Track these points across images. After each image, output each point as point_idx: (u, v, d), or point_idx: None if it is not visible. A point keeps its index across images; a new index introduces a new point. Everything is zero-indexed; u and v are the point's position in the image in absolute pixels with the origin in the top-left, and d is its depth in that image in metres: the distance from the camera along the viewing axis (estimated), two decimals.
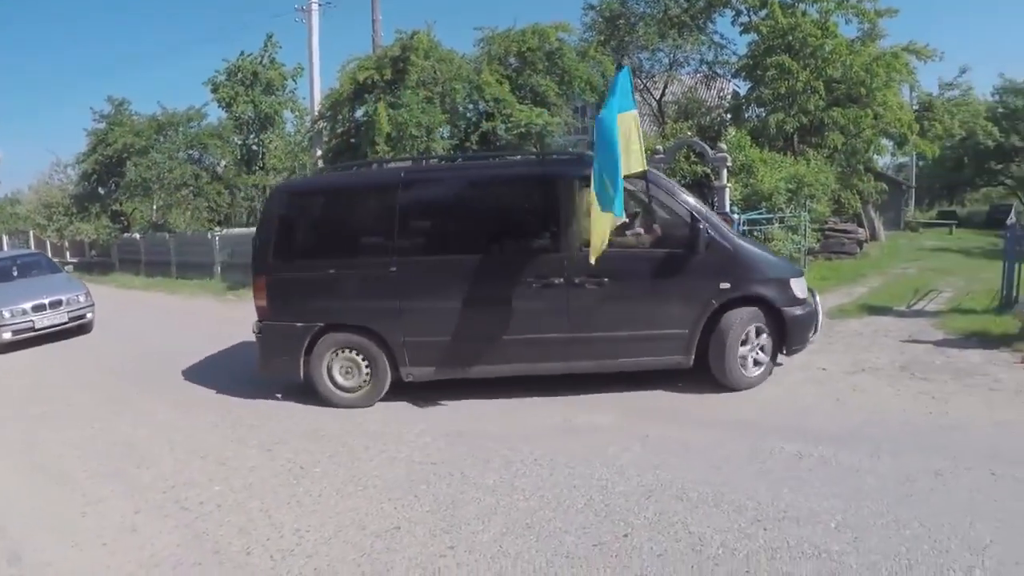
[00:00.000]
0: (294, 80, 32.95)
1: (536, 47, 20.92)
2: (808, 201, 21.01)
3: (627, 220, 8.65)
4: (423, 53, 19.82)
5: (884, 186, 28.33)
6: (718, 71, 31.42)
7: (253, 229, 28.92)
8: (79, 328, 15.45)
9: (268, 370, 9.43)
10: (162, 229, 31.40)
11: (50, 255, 25.32)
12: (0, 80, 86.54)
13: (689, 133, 23.85)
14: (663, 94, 31.11)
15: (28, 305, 14.44)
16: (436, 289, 8.74)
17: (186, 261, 28.73)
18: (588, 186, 7.84)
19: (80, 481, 6.88)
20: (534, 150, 19.32)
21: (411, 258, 8.75)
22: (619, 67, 8.85)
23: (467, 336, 8.71)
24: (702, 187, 20.38)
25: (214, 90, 31.52)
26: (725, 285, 8.52)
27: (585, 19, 30.46)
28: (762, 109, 26.55)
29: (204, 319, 17.88)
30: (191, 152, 32.97)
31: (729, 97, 32.59)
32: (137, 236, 32.90)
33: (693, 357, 8.67)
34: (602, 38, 28.84)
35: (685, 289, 8.58)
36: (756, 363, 8.85)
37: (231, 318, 17.39)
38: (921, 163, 49.14)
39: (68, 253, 38.04)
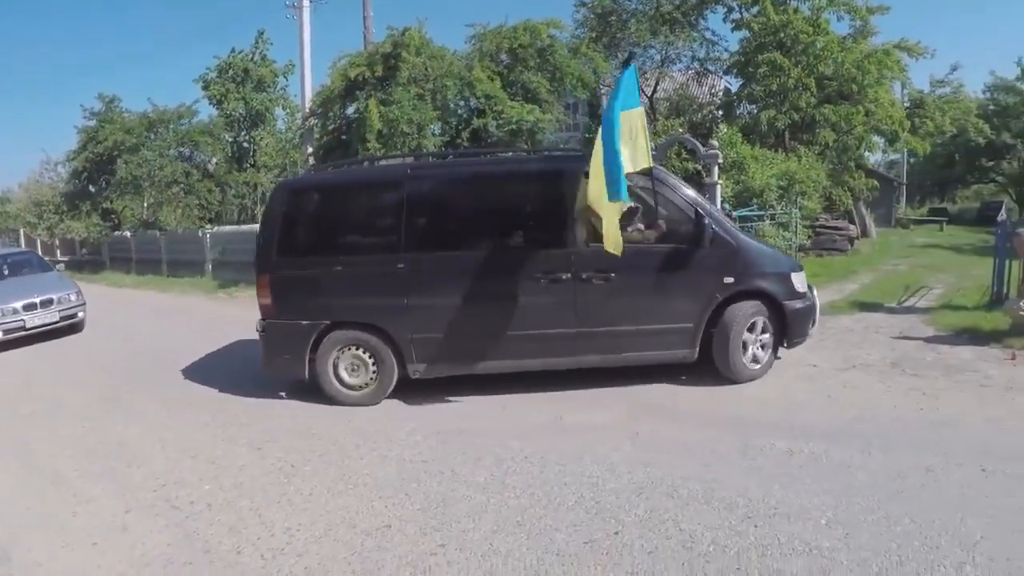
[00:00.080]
0: (285, 77, 32.89)
1: (528, 44, 20.90)
2: (799, 198, 21.07)
3: (633, 205, 8.89)
4: (414, 50, 19.78)
5: (875, 183, 28.43)
6: (710, 68, 31.50)
7: (244, 227, 29.14)
8: (70, 327, 15.35)
9: (272, 369, 9.38)
10: (153, 227, 31.31)
11: (41, 254, 25.17)
12: None
13: (681, 130, 23.83)
14: (655, 91, 31.13)
15: (19, 304, 14.33)
16: (444, 285, 8.73)
17: (177, 259, 28.64)
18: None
19: (71, 480, 6.85)
20: (525, 147, 19.29)
21: (419, 254, 8.73)
22: (625, 64, 8.86)
23: (475, 332, 8.73)
24: (693, 184, 20.37)
25: (205, 87, 31.43)
26: (729, 280, 8.64)
27: (577, 16, 30.53)
28: (754, 106, 26.63)
29: (195, 317, 17.84)
30: (182, 150, 32.89)
31: (721, 94, 32.65)
32: (128, 234, 32.78)
33: (697, 351, 8.77)
34: (594, 35, 28.86)
35: (690, 284, 8.69)
36: (758, 356, 8.97)
37: (222, 316, 17.44)
38: (912, 160, 49.23)
39: (59, 251, 37.87)
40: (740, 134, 22.65)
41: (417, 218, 8.84)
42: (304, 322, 8.86)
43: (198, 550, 5.30)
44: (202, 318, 17.53)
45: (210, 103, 31.92)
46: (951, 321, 11.67)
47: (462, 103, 21.50)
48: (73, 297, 15.45)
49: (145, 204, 33.02)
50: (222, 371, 10.84)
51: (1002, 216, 16.53)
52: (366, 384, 8.88)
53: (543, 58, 21.25)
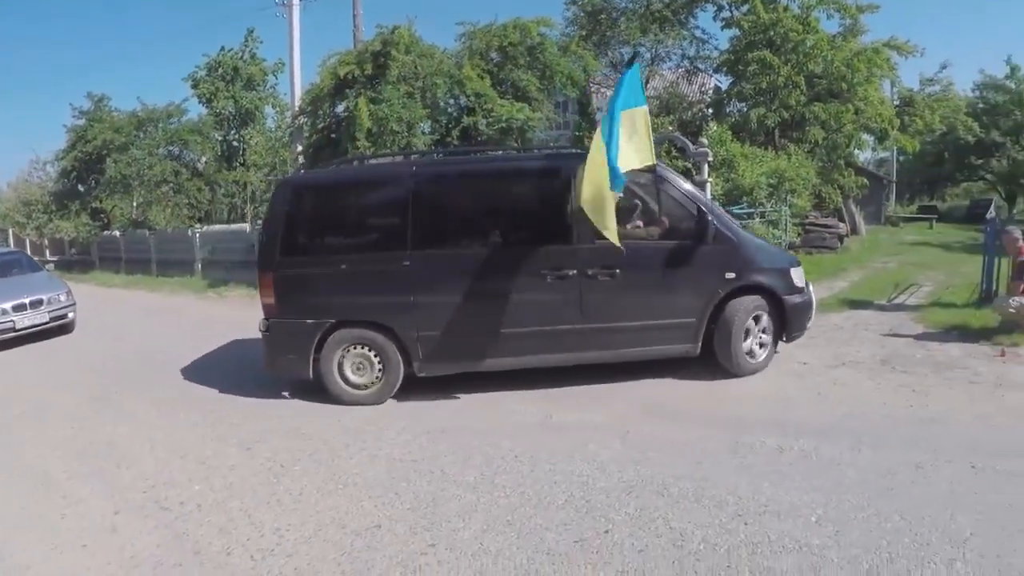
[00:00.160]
0: (275, 75, 32.88)
1: (517, 42, 20.86)
2: (789, 196, 21.09)
3: (633, 202, 8.96)
4: (404, 48, 19.73)
5: (865, 181, 28.43)
6: (700, 66, 31.50)
7: (233, 226, 29.07)
8: (60, 328, 15.20)
9: (275, 369, 9.34)
10: (142, 226, 31.21)
11: (30, 254, 25.07)
12: None
13: (670, 128, 23.83)
14: (644, 89, 31.11)
15: (8, 305, 14.18)
16: (450, 283, 8.73)
17: (166, 259, 28.49)
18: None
19: (60, 481, 6.80)
20: (515, 145, 19.27)
21: (425, 252, 8.70)
22: (629, 63, 8.93)
23: (481, 329, 8.74)
24: None
25: (194, 86, 31.38)
26: (730, 275, 8.78)
27: (567, 14, 30.49)
28: (743, 104, 26.66)
29: (185, 317, 17.81)
30: (171, 148, 32.82)
31: (710, 92, 32.65)
32: (117, 234, 32.65)
33: (700, 345, 8.89)
34: (584, 33, 28.83)
35: (693, 279, 8.81)
36: (759, 349, 9.13)
37: (212, 316, 17.43)
38: (902, 158, 49.32)
39: (48, 251, 37.67)
40: (730, 132, 22.67)
41: (423, 215, 8.80)
42: (309, 321, 8.81)
43: (188, 551, 5.27)
44: (192, 318, 17.50)
45: (199, 102, 31.90)
46: (941, 318, 11.70)
47: (452, 101, 21.47)
48: (63, 297, 15.30)
49: (134, 203, 32.94)
50: (212, 371, 10.81)
51: (991, 214, 16.67)
52: (371, 383, 8.84)
53: (533, 56, 21.22)
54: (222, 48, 31.70)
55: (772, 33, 24.62)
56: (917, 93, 33.51)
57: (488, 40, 21.07)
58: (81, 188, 35.04)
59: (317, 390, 9.04)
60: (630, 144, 8.04)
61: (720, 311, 8.84)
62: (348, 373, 8.83)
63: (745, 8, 26.07)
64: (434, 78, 19.96)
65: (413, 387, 8.91)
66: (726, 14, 27.60)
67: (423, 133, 20.48)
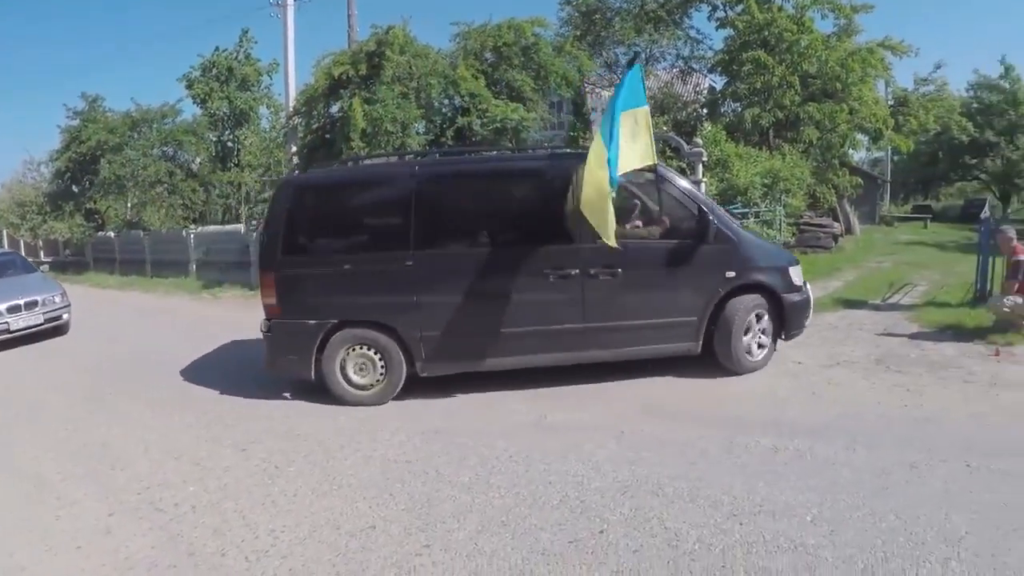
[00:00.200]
0: (269, 76, 32.85)
1: (512, 42, 20.84)
2: (783, 195, 21.13)
3: (632, 202, 9.09)
4: (398, 48, 19.69)
5: (859, 180, 28.50)
6: (694, 66, 31.56)
7: (228, 227, 29.01)
8: (55, 329, 15.11)
9: (277, 370, 9.31)
10: (137, 227, 31.16)
11: (24, 255, 25.00)
12: None
13: (665, 128, 23.82)
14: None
15: (3, 307, 14.09)
16: (454, 282, 8.73)
17: (161, 259, 28.45)
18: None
19: (54, 483, 6.78)
20: (510, 145, 19.26)
21: (428, 252, 8.70)
22: (630, 64, 9.03)
23: (484, 329, 8.74)
24: None
25: (189, 86, 31.36)
26: (731, 274, 8.87)
27: (561, 14, 30.54)
28: (738, 104, 26.70)
29: (179, 318, 17.77)
30: (165, 149, 32.80)
31: (705, 92, 32.69)
32: (111, 235, 32.59)
33: (701, 343, 8.96)
34: (578, 33, 28.86)
35: (694, 278, 8.89)
36: (758, 348, 9.20)
37: (206, 317, 17.41)
38: (896, 158, 49.55)
39: (42, 252, 37.62)
40: (724, 132, 22.71)
41: (426, 215, 8.79)
42: (311, 321, 8.77)
43: (182, 553, 5.25)
44: (186, 319, 17.46)
45: (194, 102, 31.89)
46: (935, 318, 11.73)
47: (446, 102, 21.43)
48: (58, 299, 15.22)
49: (129, 204, 32.88)
50: (206, 372, 10.79)
51: (985, 213, 16.63)
52: (374, 383, 8.81)
53: (527, 56, 21.20)
54: (216, 48, 31.70)
55: (766, 33, 24.67)
56: (911, 93, 33.58)
57: (483, 40, 21.05)
58: (75, 189, 34.98)
59: (313, 391, 9.05)
60: (632, 144, 8.12)
61: (720, 310, 8.91)
62: (351, 374, 8.80)
63: (739, 8, 26.15)
64: (429, 78, 19.93)
65: (408, 387, 8.89)
66: (720, 14, 27.69)
67: (417, 133, 20.45)
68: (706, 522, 5.14)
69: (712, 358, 9.13)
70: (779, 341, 9.52)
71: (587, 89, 30.42)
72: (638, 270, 8.74)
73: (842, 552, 4.61)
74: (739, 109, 26.27)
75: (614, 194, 7.80)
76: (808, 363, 9.58)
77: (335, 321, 8.76)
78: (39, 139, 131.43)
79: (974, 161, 52.06)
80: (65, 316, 15.33)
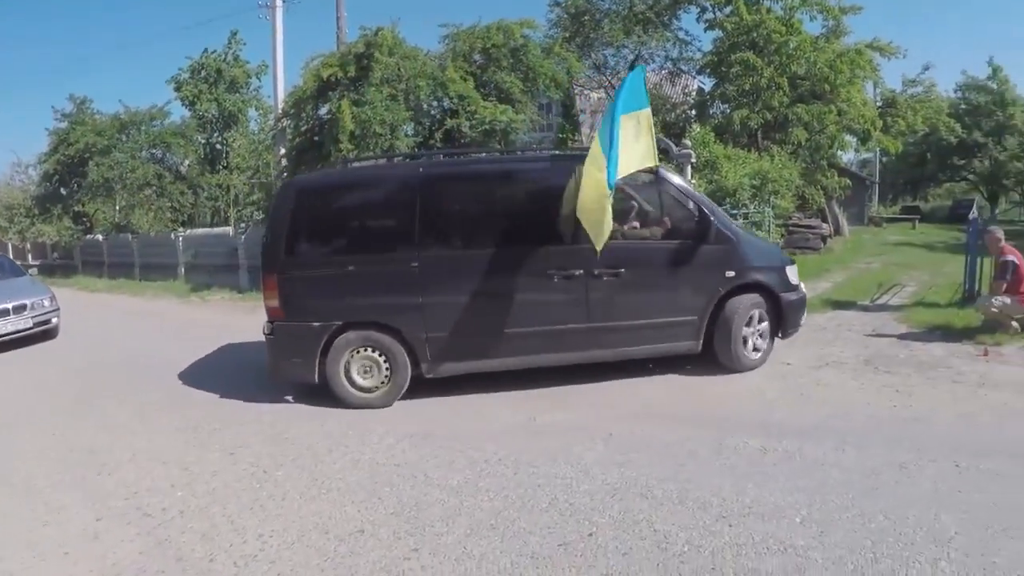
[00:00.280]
0: (258, 78, 32.80)
1: (501, 44, 20.81)
2: (772, 197, 21.16)
3: (630, 203, 9.11)
4: (387, 50, 19.64)
5: (848, 181, 28.55)
6: (683, 68, 31.57)
7: (216, 230, 28.93)
8: (44, 333, 14.98)
9: (280, 373, 9.24)
10: (125, 230, 31.04)
11: (12, 258, 24.88)
12: None
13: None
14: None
15: None
16: (458, 283, 8.75)
17: (149, 262, 28.38)
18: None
19: (41, 489, 6.73)
20: (499, 147, 19.24)
21: (433, 253, 8.73)
22: (632, 66, 9.16)
23: (490, 329, 8.76)
24: None
25: (177, 88, 31.30)
26: (731, 273, 9.05)
27: (550, 16, 30.49)
28: (726, 105, 26.70)
29: (168, 322, 17.69)
30: (154, 151, 32.65)
31: (694, 94, 32.74)
32: (100, 238, 32.50)
33: (702, 342, 9.09)
34: (567, 35, 28.85)
35: (695, 278, 9.04)
36: (757, 346, 9.34)
37: (195, 320, 17.37)
38: (884, 159, 49.65)
39: (30, 256, 37.47)
40: (713, 134, 22.67)
41: (431, 217, 8.81)
42: (315, 324, 8.70)
43: (170, 558, 5.21)
44: (175, 323, 17.39)
45: (182, 104, 31.83)
46: (924, 318, 11.78)
47: (435, 103, 21.38)
48: (47, 303, 15.07)
49: (117, 207, 32.75)
50: (194, 376, 10.75)
51: (973, 214, 16.65)
52: (379, 385, 8.78)
53: (516, 58, 21.16)
54: (205, 50, 31.65)
55: (755, 35, 24.68)
56: (900, 94, 33.66)
57: (471, 42, 21.01)
58: (63, 191, 34.76)
59: (308, 394, 9.06)
60: (633, 146, 8.21)
61: (720, 309, 9.05)
62: (355, 376, 8.76)
63: (728, 10, 26.13)
64: (417, 80, 19.88)
65: None
66: (709, 16, 27.66)
67: (406, 135, 20.39)
68: (695, 524, 5.13)
69: (702, 358, 9.23)
70: (779, 339, 9.69)
71: (576, 91, 30.45)
72: (641, 270, 8.88)
73: (832, 553, 4.61)
74: (728, 111, 26.27)
75: (612, 199, 7.85)
76: (797, 364, 9.61)
77: (339, 323, 8.71)
78: (27, 142, 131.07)
79: (962, 162, 52.33)
80: (54, 320, 15.21)
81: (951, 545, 4.63)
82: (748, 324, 9.19)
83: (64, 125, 33.54)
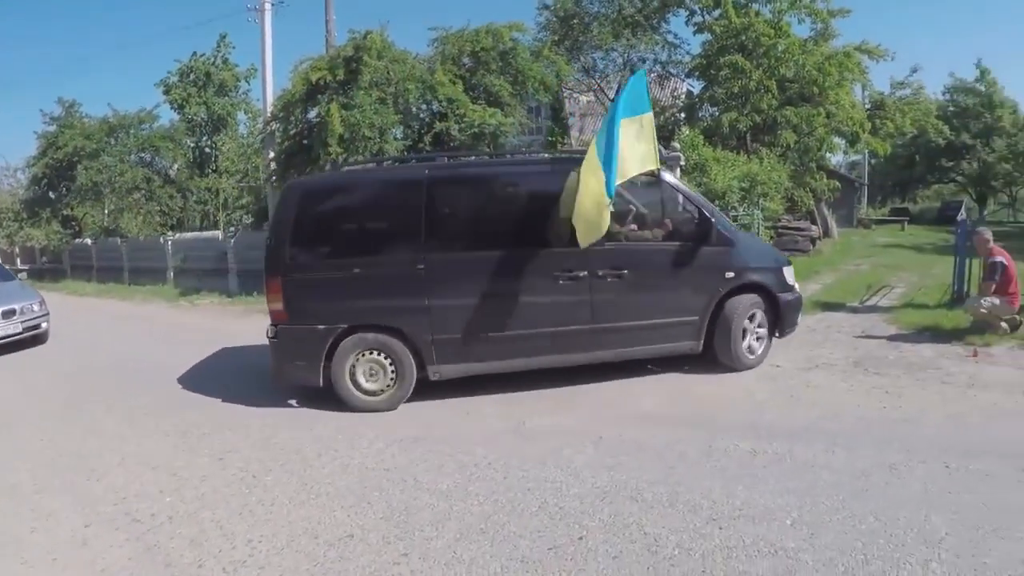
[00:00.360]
0: (247, 81, 32.85)
1: (490, 47, 20.78)
2: (761, 199, 21.21)
3: (628, 206, 9.18)
4: (376, 53, 19.60)
5: (837, 184, 28.65)
6: (672, 71, 31.67)
7: (205, 233, 28.89)
8: (34, 338, 14.86)
9: (284, 377, 9.19)
10: (114, 234, 31.00)
11: (1, 262, 24.79)
12: None
13: None
14: (617, 94, 31.14)
15: None
16: (465, 285, 8.76)
17: (138, 267, 28.32)
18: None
19: (29, 494, 6.68)
20: (488, 150, 19.23)
21: (439, 255, 8.71)
22: (633, 70, 9.27)
23: (495, 331, 8.78)
24: None
25: (166, 91, 31.30)
26: (730, 274, 9.20)
27: (539, 19, 30.54)
28: (715, 108, 26.78)
29: (157, 326, 17.66)
30: (143, 155, 32.67)
31: (683, 97, 32.82)
32: (89, 242, 32.43)
33: (702, 342, 9.19)
34: (556, 38, 28.88)
35: (696, 279, 9.17)
36: (755, 346, 9.48)
37: (184, 324, 17.34)
38: (873, 161, 49.76)
39: (19, 260, 37.30)
40: (702, 136, 22.74)
41: (437, 219, 8.84)
42: (320, 326, 8.66)
43: (159, 564, 5.18)
44: (164, 327, 17.35)
45: (171, 107, 31.85)
46: (913, 319, 11.80)
47: (424, 107, 21.34)
48: (36, 307, 14.99)
49: (106, 211, 32.74)
50: (184, 381, 10.72)
51: (962, 215, 16.75)
52: (385, 388, 8.75)
53: (505, 61, 21.13)
54: (194, 53, 31.65)
55: (744, 38, 24.76)
56: (888, 96, 33.81)
57: (460, 45, 20.98)
58: (52, 195, 34.69)
59: (308, 397, 9.05)
60: (635, 150, 8.32)
61: (720, 309, 9.16)
62: (360, 379, 8.72)
63: (717, 13, 26.21)
64: (406, 83, 19.84)
65: None
66: (698, 19, 27.75)
67: (395, 139, 20.37)
68: (685, 527, 5.12)
69: (693, 359, 9.34)
70: (776, 338, 9.83)
71: (565, 94, 30.48)
72: (643, 272, 8.99)
73: (822, 555, 4.60)
74: (717, 113, 26.36)
75: (612, 207, 7.91)
76: (786, 366, 9.61)
77: (345, 326, 8.67)
78: (15, 145, 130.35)
79: (950, 164, 52.53)
80: (44, 325, 15.13)
81: (941, 546, 4.63)
82: (747, 324, 9.32)
83: (53, 128, 33.52)
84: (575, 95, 32.50)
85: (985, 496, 5.35)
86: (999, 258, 10.52)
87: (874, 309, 13.53)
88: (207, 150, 32.87)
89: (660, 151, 9.07)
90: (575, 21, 29.88)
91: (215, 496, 6.35)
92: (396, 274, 8.71)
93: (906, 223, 41.43)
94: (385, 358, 8.70)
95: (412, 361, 8.71)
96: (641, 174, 8.60)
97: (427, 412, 8.57)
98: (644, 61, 31.02)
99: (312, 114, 20.83)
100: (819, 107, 24.87)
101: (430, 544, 5.15)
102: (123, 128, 32.43)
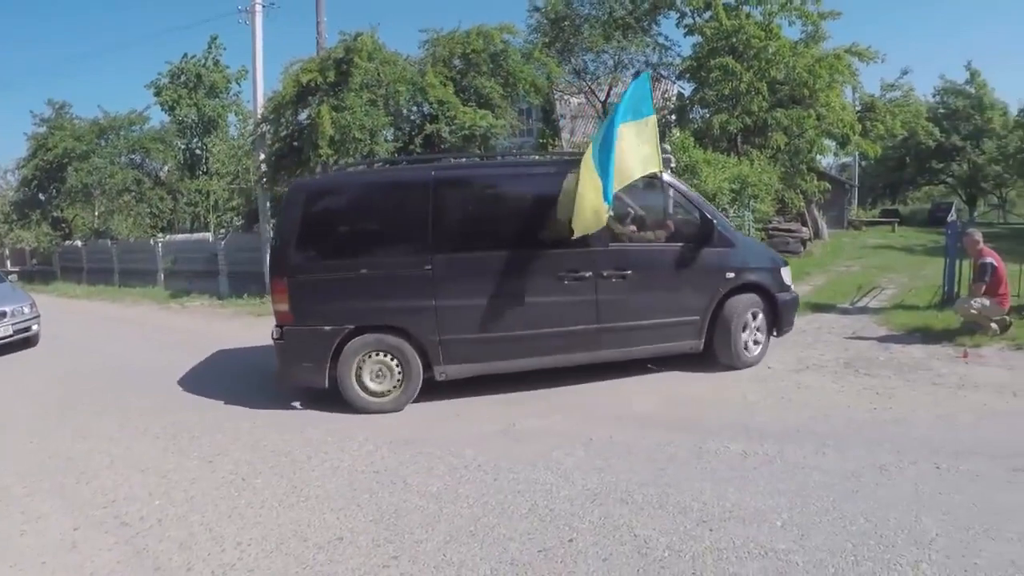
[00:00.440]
0: (238, 83, 32.79)
1: (481, 49, 20.76)
2: (752, 201, 21.22)
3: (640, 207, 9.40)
4: (367, 55, 19.57)
5: (827, 185, 28.63)
6: (662, 73, 31.58)
7: (196, 235, 28.82)
8: (24, 341, 14.76)
9: (289, 379, 9.18)
10: (104, 236, 30.92)
11: None
12: None
13: None
14: (608, 96, 31.14)
15: None
16: (471, 286, 8.80)
17: (128, 269, 28.30)
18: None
19: (18, 497, 6.63)
20: (478, 152, 19.23)
21: (446, 256, 8.74)
22: (636, 73, 9.41)
23: (502, 331, 8.83)
24: None
25: (157, 93, 31.19)
26: (730, 274, 9.40)
27: (530, 21, 30.39)
28: (706, 110, 26.73)
29: (147, 328, 17.63)
30: (133, 157, 32.64)
31: (673, 99, 32.77)
32: (79, 244, 32.35)
33: (703, 342, 9.34)
34: (547, 40, 28.80)
35: (698, 279, 9.35)
36: (755, 344, 9.64)
37: (174, 327, 17.30)
38: (864, 163, 49.89)
39: (9, 262, 37.22)
40: (692, 138, 22.68)
41: (444, 220, 8.85)
42: (326, 327, 8.65)
43: (148, 567, 5.15)
44: (154, 329, 17.32)
45: (162, 109, 31.77)
46: (903, 321, 11.85)
47: (415, 109, 21.32)
48: (27, 310, 14.90)
49: (96, 212, 32.69)
50: (173, 383, 10.68)
51: (952, 217, 16.86)
52: (391, 389, 8.75)
53: (496, 63, 21.12)
54: (185, 55, 31.58)
55: (734, 40, 24.73)
56: (878, 98, 33.92)
57: (451, 47, 20.95)
58: (42, 197, 34.64)
59: (298, 399, 9.08)
60: (636, 153, 8.47)
61: (720, 309, 9.32)
62: (367, 380, 8.71)
63: (708, 15, 26.17)
64: (397, 85, 19.81)
65: None
66: (689, 21, 27.66)
67: (386, 140, 20.35)
68: (676, 529, 5.12)
69: (689, 358, 9.48)
70: (774, 337, 10.00)
71: (556, 96, 30.43)
72: (647, 272, 9.13)
73: (813, 556, 4.60)
74: (707, 115, 26.29)
75: (611, 211, 7.98)
76: (777, 367, 9.63)
77: (351, 327, 8.66)
78: (5, 147, 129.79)
79: (941, 165, 52.61)
80: (35, 327, 15.03)
81: (932, 547, 4.64)
82: (746, 323, 9.45)
83: (43, 130, 33.48)
84: (566, 97, 32.45)
85: (975, 497, 5.37)
86: (989, 259, 10.55)
87: (865, 310, 13.57)
88: (198, 152, 32.79)
89: (662, 153, 9.12)
90: (566, 23, 29.81)
91: (204, 499, 6.32)
92: (403, 275, 8.73)
93: (896, 224, 41.47)
94: (392, 359, 8.71)
95: (419, 362, 8.72)
96: (643, 177, 8.75)
97: (417, 413, 8.57)
98: (635, 63, 31.00)
99: (303, 116, 20.81)
100: (810, 109, 24.86)
101: (420, 547, 5.14)
102: (113, 130, 32.39)
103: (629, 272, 8.90)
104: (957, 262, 13.05)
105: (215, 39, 32.05)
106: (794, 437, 6.91)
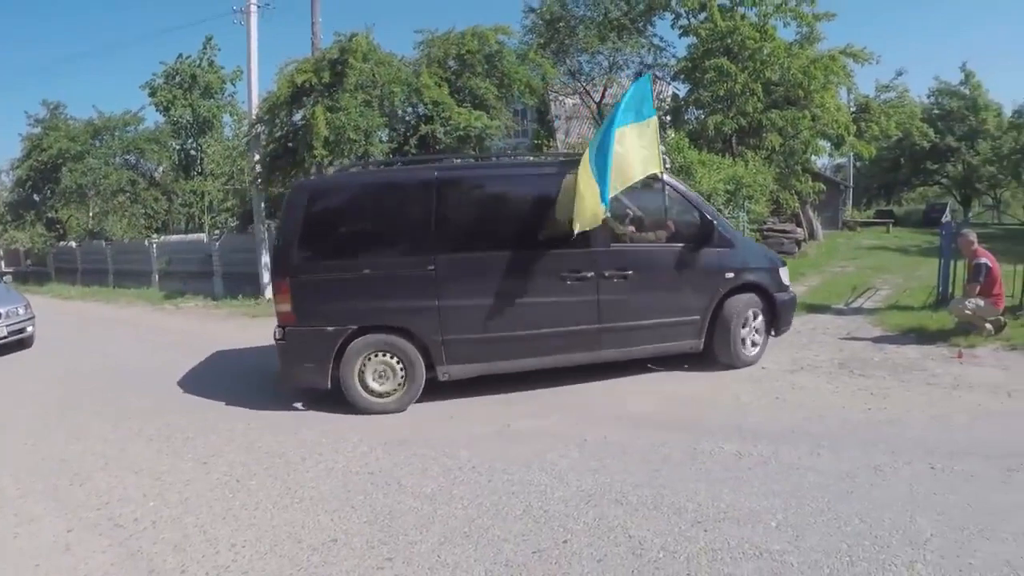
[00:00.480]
0: (233, 83, 32.82)
1: (476, 50, 20.73)
2: (746, 202, 21.21)
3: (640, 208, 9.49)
4: (362, 56, 19.53)
5: (822, 186, 28.65)
6: (657, 74, 31.56)
7: (190, 236, 28.80)
8: (19, 342, 14.71)
9: (292, 380, 9.18)
10: (99, 237, 30.87)
11: None
12: None
13: None
14: (603, 97, 31.14)
15: None
16: (475, 286, 8.80)
17: (123, 270, 28.25)
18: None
19: (11, 499, 6.61)
20: (473, 153, 19.22)
21: (450, 256, 8.74)
22: (638, 74, 9.48)
23: (505, 331, 8.84)
24: None
25: (152, 93, 31.23)
26: (730, 275, 9.49)
27: (525, 22, 30.37)
28: (701, 111, 26.72)
29: (142, 330, 17.61)
30: (128, 157, 32.61)
31: (668, 100, 32.77)
32: (73, 244, 32.31)
33: (703, 341, 9.40)
34: (542, 41, 28.78)
35: (698, 279, 9.47)
36: (753, 344, 9.70)
37: (169, 328, 17.29)
38: (858, 163, 49.90)
39: (3, 263, 37.15)
40: (687, 139, 22.68)
41: (448, 220, 8.86)
42: (329, 328, 8.62)
43: (142, 570, 5.13)
44: (148, 330, 17.29)
45: (157, 110, 31.88)
46: (898, 321, 11.87)
47: (410, 109, 21.28)
48: (21, 311, 14.85)
49: (90, 213, 32.62)
50: (167, 385, 10.65)
51: (947, 218, 16.88)
52: (394, 390, 8.73)
53: (491, 64, 21.09)
54: (180, 56, 31.59)
55: (729, 41, 24.73)
56: (873, 99, 33.92)
57: (446, 48, 20.93)
58: (36, 198, 34.58)
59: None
60: (637, 154, 8.56)
61: (719, 309, 9.45)
62: (369, 381, 8.69)
63: (703, 16, 26.17)
64: (392, 86, 19.79)
65: None
66: (684, 22, 27.66)
67: (381, 141, 20.33)
68: (670, 530, 5.12)
69: (687, 357, 9.59)
70: (772, 336, 10.07)
71: (551, 97, 30.42)
72: (648, 272, 9.20)
73: (807, 557, 4.60)
74: (702, 116, 26.27)
75: (608, 213, 8.02)
76: (772, 368, 9.64)
77: (354, 327, 8.64)
78: None
79: (935, 166, 52.75)
80: (29, 329, 14.98)
81: (927, 547, 4.64)
82: (746, 323, 9.53)
83: (37, 130, 33.43)
84: (561, 98, 32.44)
85: (970, 497, 5.37)
86: (983, 260, 10.56)
87: (859, 311, 13.59)
88: (192, 152, 32.83)
89: (663, 154, 9.17)
90: (561, 24, 29.80)
91: (198, 500, 6.30)
92: (406, 275, 8.73)
93: (891, 225, 41.48)
94: (395, 359, 8.70)
95: (422, 362, 8.72)
96: (644, 178, 8.82)
97: (412, 414, 8.57)
98: (630, 64, 31.02)
99: (297, 116, 20.76)
100: (804, 110, 24.86)
101: (414, 548, 5.13)
102: (108, 130, 32.35)
103: (630, 272, 8.94)
104: (951, 263, 13.04)
105: (210, 40, 32.11)
106: (789, 438, 6.91)
